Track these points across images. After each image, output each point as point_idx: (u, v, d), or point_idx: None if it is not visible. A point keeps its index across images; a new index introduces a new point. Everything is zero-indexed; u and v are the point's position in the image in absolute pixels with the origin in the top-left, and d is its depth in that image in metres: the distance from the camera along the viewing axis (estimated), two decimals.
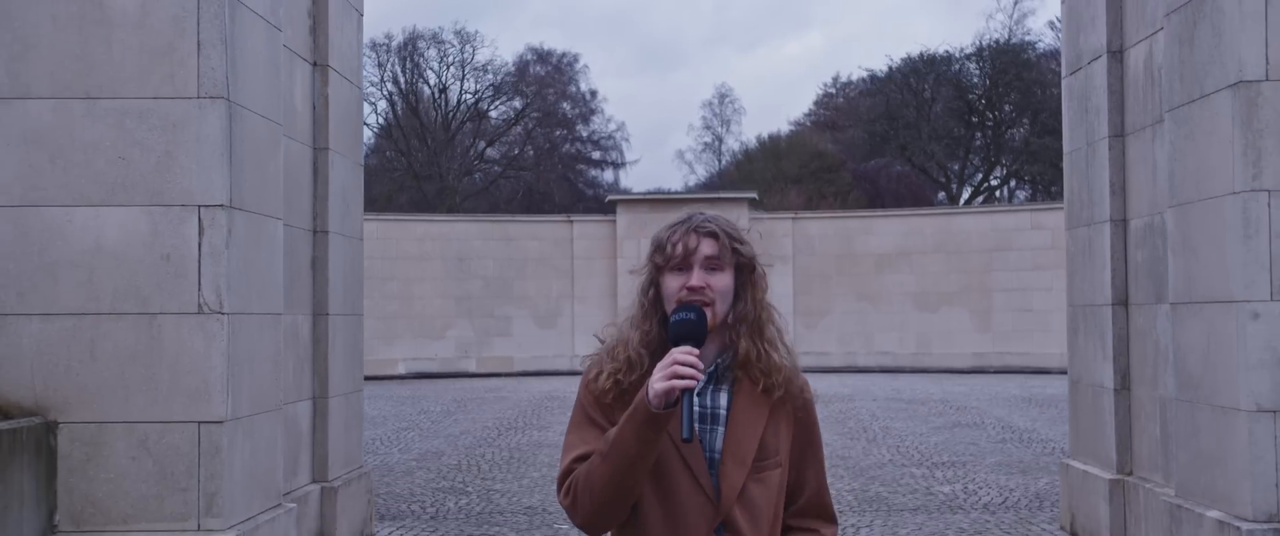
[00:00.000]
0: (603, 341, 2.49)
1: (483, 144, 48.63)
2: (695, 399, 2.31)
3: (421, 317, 27.87)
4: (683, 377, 2.20)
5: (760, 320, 2.41)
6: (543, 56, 49.39)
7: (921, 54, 43.47)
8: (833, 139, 47.02)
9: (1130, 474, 7.36)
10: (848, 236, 29.25)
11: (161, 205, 5.68)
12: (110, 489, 5.64)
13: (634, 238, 27.87)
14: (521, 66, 48.69)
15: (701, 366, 2.24)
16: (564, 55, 49.94)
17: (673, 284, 2.37)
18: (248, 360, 5.97)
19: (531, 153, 48.55)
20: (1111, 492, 7.37)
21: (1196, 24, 6.02)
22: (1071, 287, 8.22)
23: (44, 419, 5.64)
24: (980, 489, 10.09)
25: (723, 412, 2.41)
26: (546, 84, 48.54)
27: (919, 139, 42.36)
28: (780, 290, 28.54)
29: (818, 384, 17.88)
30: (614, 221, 28.53)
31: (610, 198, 30.43)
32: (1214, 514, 5.83)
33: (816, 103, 52.79)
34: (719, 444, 2.39)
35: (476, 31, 66.74)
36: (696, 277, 2.34)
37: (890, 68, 44.84)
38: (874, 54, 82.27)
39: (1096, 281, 7.68)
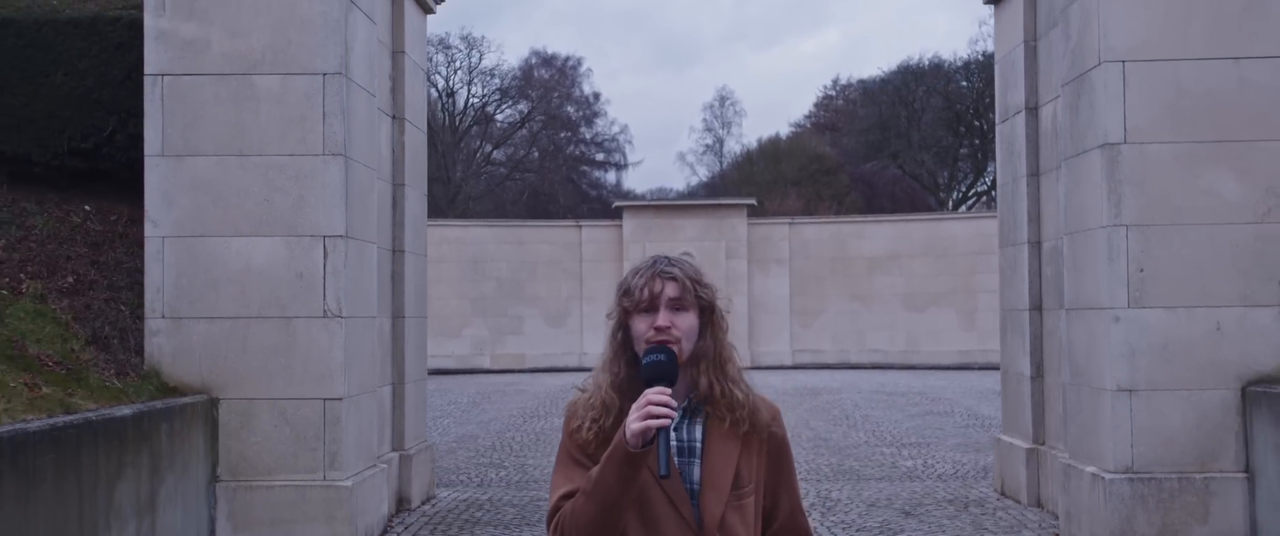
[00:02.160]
0: (583, 391, 2.59)
1: (489, 147, 50.09)
2: (671, 436, 2.38)
3: (439, 317, 29.49)
4: (657, 417, 2.32)
5: (721, 358, 2.54)
6: (547, 60, 50.68)
7: (912, 65, 45.33)
8: (831, 141, 48.71)
9: (1043, 444, 9.24)
10: (841, 240, 30.92)
11: (296, 236, 7.56)
12: (258, 448, 7.52)
13: (639, 241, 29.65)
14: (526, 70, 50.05)
15: (675, 405, 2.36)
16: (568, 58, 51.49)
17: (641, 325, 2.50)
18: (356, 352, 7.85)
19: (536, 155, 50.01)
20: (1028, 459, 9.25)
21: (1079, 96, 7.88)
22: (1002, 295, 10.09)
23: (209, 396, 7.52)
24: (937, 463, 11.97)
25: (698, 445, 2.51)
26: (551, 87, 49.90)
27: (910, 148, 44.22)
28: (777, 291, 30.41)
29: (811, 380, 19.87)
30: (620, 226, 30.31)
31: (617, 204, 32.17)
32: (1090, 469, 7.70)
33: (816, 104, 54.31)
34: (697, 475, 2.49)
35: (483, 37, 68.34)
36: (663, 318, 2.48)
37: (882, 77, 46.67)
38: (891, 52, 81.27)
39: (1018, 290, 9.56)
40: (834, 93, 53.10)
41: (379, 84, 8.82)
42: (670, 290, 2.50)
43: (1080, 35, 7.85)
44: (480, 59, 48.16)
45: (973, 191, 45.46)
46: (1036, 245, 9.31)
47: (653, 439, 2.34)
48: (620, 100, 76.62)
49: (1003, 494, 9.82)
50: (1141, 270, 7.40)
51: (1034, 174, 9.31)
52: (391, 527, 8.64)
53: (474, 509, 9.49)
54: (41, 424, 5.53)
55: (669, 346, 2.45)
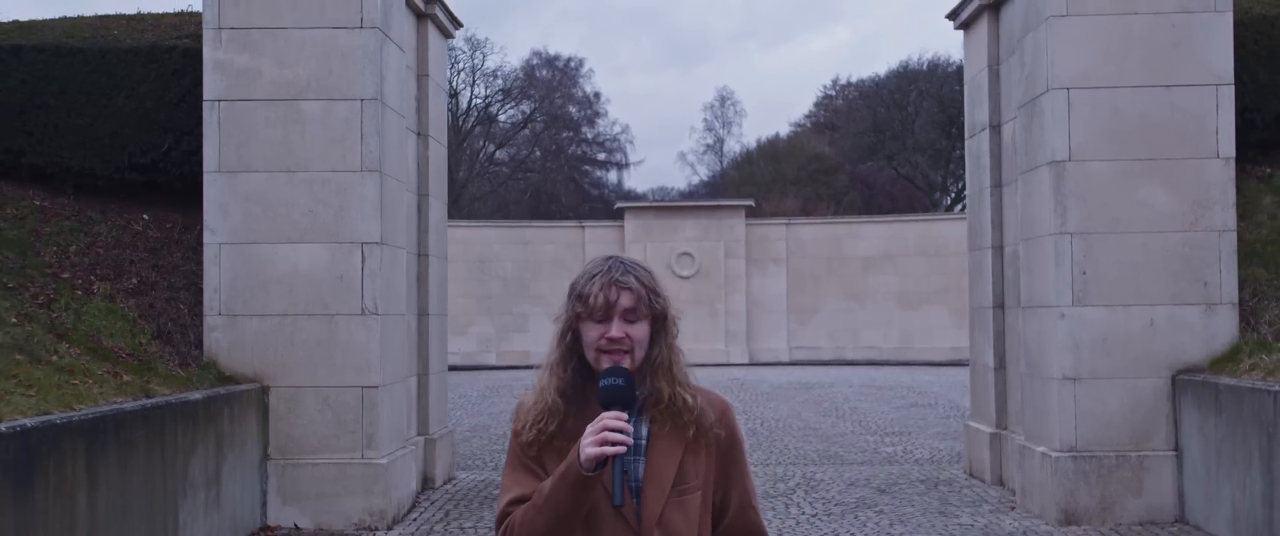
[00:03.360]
0: (529, 390, 2.59)
1: (492, 147, 50.83)
2: (624, 463, 2.38)
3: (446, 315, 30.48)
4: (613, 443, 2.32)
5: (671, 364, 2.54)
6: (549, 61, 51.33)
7: (910, 67, 46.27)
8: (831, 141, 49.55)
9: (1005, 428, 10.23)
10: (837, 240, 31.80)
11: (337, 242, 8.55)
12: (304, 431, 8.51)
13: (640, 241, 30.59)
14: (529, 71, 50.74)
15: (630, 431, 2.35)
16: (569, 59, 52.29)
17: (592, 333, 2.49)
18: (389, 346, 8.84)
19: (539, 155, 50.77)
20: (991, 442, 10.24)
21: (1032, 118, 8.87)
22: (971, 294, 11.08)
23: (261, 385, 8.51)
24: (915, 449, 12.95)
25: (643, 443, 2.51)
26: (553, 88, 50.60)
27: (904, 150, 45.18)
28: (774, 290, 31.35)
29: (806, 375, 21.00)
30: (622, 226, 31.27)
31: (619, 204, 33.10)
32: (1041, 449, 8.69)
33: (816, 104, 54.98)
34: (640, 472, 2.49)
35: (486, 38, 69.02)
36: (617, 328, 2.47)
37: (877, 80, 47.59)
38: (900, 50, 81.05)
39: (984, 290, 10.55)
40: (834, 93, 53.89)
41: (407, 105, 9.81)
42: (625, 300, 2.49)
43: (1032, 64, 8.84)
44: (484, 60, 48.97)
45: (965, 192, 46.37)
46: (999, 249, 10.29)
47: (605, 462, 2.34)
48: (629, 98, 76.83)
49: (971, 475, 10.81)
50: (1084, 273, 8.39)
51: (997, 185, 10.29)
52: (419, 503, 9.63)
53: (492, 488, 10.48)
54: (134, 404, 6.52)
55: (627, 370, 2.46)
